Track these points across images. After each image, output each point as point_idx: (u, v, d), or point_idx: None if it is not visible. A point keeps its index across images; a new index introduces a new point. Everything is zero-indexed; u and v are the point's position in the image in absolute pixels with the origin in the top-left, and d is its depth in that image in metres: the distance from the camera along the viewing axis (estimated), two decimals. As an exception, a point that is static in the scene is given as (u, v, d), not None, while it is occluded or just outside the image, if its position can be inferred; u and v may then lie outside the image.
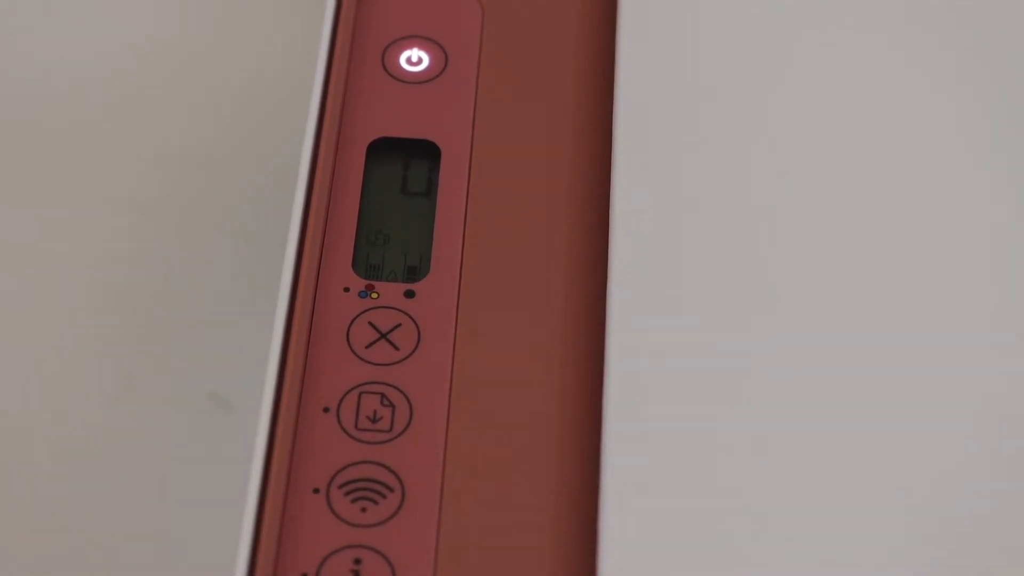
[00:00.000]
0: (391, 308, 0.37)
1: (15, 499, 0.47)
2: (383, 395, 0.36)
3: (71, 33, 0.56)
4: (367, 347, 0.37)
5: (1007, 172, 0.40)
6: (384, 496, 0.35)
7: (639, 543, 0.34)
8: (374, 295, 0.38)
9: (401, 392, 0.36)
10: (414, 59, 0.41)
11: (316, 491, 0.35)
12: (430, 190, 0.39)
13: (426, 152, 0.40)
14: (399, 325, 0.37)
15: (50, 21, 0.56)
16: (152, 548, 0.47)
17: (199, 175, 0.53)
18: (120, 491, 0.48)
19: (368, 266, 0.38)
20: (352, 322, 0.37)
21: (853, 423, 0.36)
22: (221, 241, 0.52)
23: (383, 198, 0.39)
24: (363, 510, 0.35)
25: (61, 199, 0.52)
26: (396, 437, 0.36)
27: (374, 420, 0.36)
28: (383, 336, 0.37)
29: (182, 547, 0.47)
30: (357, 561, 0.34)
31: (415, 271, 0.38)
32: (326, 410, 0.36)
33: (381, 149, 0.40)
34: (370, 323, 0.37)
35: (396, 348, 0.37)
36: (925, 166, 0.40)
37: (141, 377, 0.48)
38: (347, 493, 0.35)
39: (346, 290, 0.38)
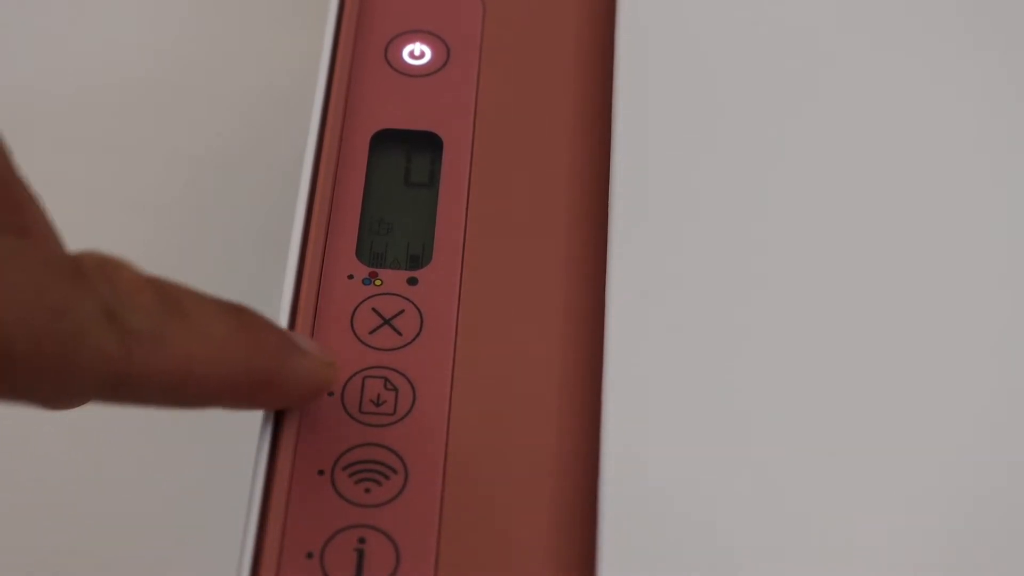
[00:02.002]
0: (394, 295, 0.38)
1: (17, 496, 0.48)
2: (386, 379, 0.37)
3: (73, 35, 0.57)
4: (371, 333, 0.37)
5: (1009, 173, 0.40)
6: (388, 477, 0.35)
7: (639, 524, 0.35)
8: (377, 282, 0.38)
9: (404, 376, 0.37)
10: (417, 53, 0.42)
11: (321, 472, 0.35)
12: (432, 181, 0.40)
13: (428, 144, 0.40)
14: (402, 311, 0.38)
15: (53, 23, 0.57)
16: (155, 542, 0.47)
17: (204, 173, 0.53)
18: (123, 486, 0.48)
19: (372, 254, 0.39)
20: (356, 308, 0.38)
21: (857, 422, 0.36)
22: (225, 239, 0.52)
23: (386, 188, 0.40)
24: (367, 491, 0.35)
25: (66, 199, 0.52)
26: (399, 420, 0.36)
27: (378, 404, 0.36)
28: (386, 322, 0.38)
29: (185, 543, 0.47)
30: (361, 540, 0.35)
31: (418, 259, 0.39)
32: (331, 394, 0.36)
33: (384, 141, 0.40)
34: (374, 309, 0.38)
35: (399, 334, 0.37)
36: (930, 168, 0.40)
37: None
38: (351, 475, 0.35)
39: (350, 277, 0.38)
